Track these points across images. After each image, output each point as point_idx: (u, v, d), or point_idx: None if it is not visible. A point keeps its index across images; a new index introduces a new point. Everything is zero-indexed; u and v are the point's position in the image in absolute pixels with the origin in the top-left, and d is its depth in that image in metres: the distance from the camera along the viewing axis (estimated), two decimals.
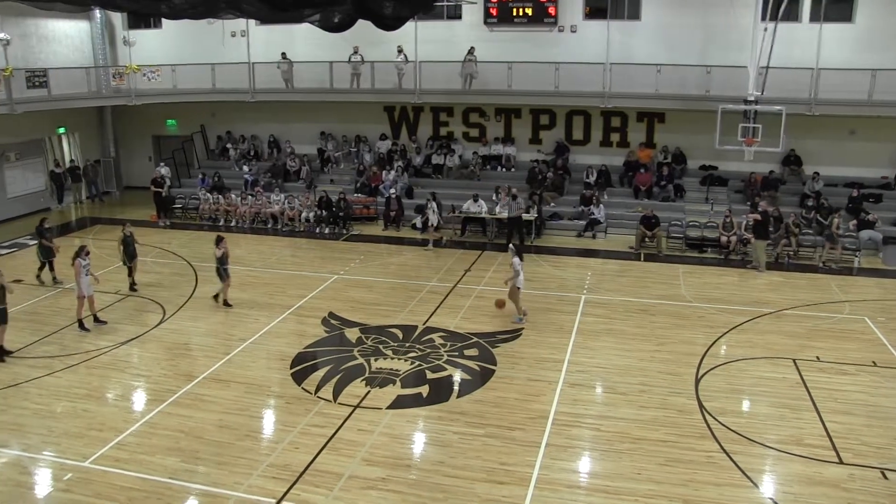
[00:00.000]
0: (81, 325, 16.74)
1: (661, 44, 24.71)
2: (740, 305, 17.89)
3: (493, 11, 26.39)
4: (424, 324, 16.92)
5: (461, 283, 19.66)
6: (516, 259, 16.76)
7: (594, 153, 26.97)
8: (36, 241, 19.95)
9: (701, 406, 12.98)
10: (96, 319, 17.01)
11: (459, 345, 15.71)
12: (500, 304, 17.16)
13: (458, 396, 13.52)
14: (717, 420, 12.48)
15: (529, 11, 26.07)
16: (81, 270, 16.45)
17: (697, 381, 13.94)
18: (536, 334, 16.23)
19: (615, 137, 26.94)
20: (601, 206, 24.32)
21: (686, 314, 17.45)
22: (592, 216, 24.12)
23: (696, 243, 22.60)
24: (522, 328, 16.50)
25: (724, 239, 21.83)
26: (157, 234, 25.01)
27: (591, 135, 27.07)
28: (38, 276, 19.87)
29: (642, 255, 22.20)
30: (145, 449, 11.79)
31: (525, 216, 23.43)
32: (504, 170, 27.31)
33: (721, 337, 16.10)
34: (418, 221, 24.82)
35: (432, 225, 23.34)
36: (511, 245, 18.60)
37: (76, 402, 13.42)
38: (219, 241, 18.05)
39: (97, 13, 29.75)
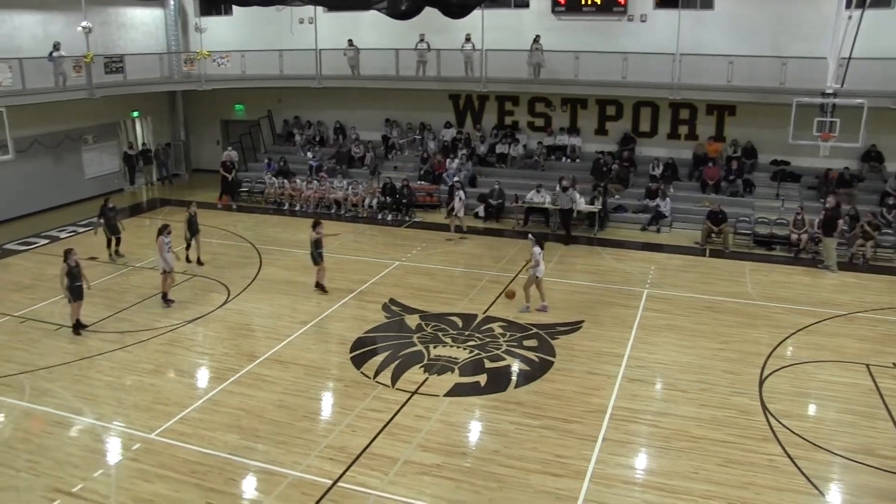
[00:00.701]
0: (164, 299, 17.35)
1: (734, 34, 24.03)
2: (809, 306, 17.36)
3: (562, 0, 26.09)
4: (484, 313, 16.91)
5: (522, 273, 19.56)
6: (536, 248, 16.70)
7: (661, 145, 26.47)
8: (101, 220, 20.77)
9: (764, 407, 12.68)
10: (165, 296, 17.51)
11: (518, 335, 15.66)
12: (510, 295, 17.19)
13: (516, 387, 13.49)
14: (780, 423, 12.15)
15: (598, 0, 25.69)
16: (164, 247, 17.04)
17: (761, 382, 13.60)
18: (597, 328, 16.07)
19: (683, 130, 26.37)
20: (667, 199, 23.90)
21: (751, 313, 17.02)
22: (658, 209, 23.74)
23: (765, 240, 22.00)
24: (583, 321, 16.36)
25: (794, 237, 21.21)
26: (223, 216, 25.55)
27: (658, 127, 26.56)
28: (109, 255, 20.64)
29: (708, 251, 21.72)
30: (207, 425, 12.10)
31: (589, 208, 23.22)
32: (569, 160, 27.02)
33: (788, 338, 15.65)
34: (481, 210, 24.83)
35: (456, 213, 23.11)
36: (530, 235, 18.38)
37: (144, 376, 13.86)
38: (316, 224, 18.13)
39: (171, 1, 30.50)
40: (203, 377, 14.14)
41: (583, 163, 26.59)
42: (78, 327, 15.76)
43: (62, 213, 26.08)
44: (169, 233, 17.37)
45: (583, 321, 16.39)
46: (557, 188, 23.44)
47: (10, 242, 22.45)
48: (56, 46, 24.07)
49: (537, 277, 16.81)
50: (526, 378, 13.81)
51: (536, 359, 14.59)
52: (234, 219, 25.46)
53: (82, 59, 24.30)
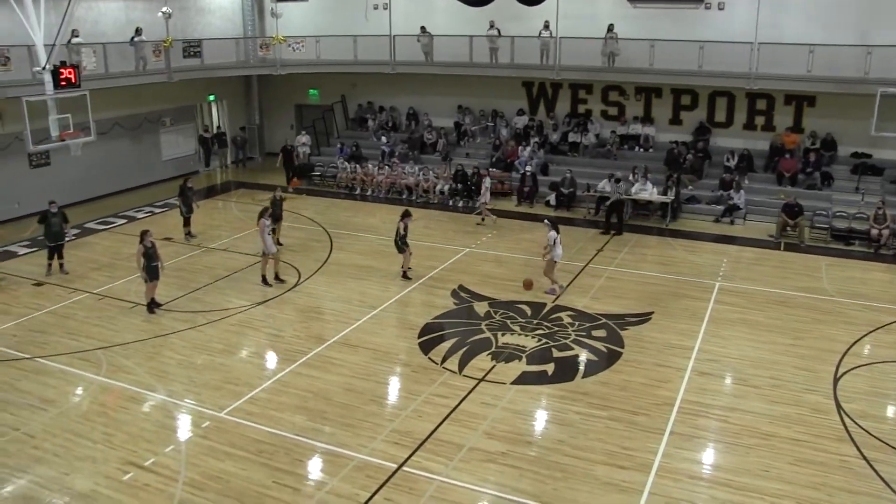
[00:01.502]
0: (264, 281, 17.74)
1: (815, 22, 23.13)
2: (889, 303, 16.73)
3: None
4: (553, 302, 16.82)
5: (592, 262, 19.38)
6: (552, 233, 16.70)
7: (736, 136, 25.77)
8: (178, 199, 21.47)
9: (839, 407, 12.30)
10: (277, 277, 17.92)
11: (587, 325, 15.54)
12: (527, 286, 16.96)
13: (584, 377, 13.40)
14: (856, 423, 11.78)
15: None
16: (265, 230, 17.35)
17: (836, 380, 13.20)
18: (667, 319, 15.82)
19: (760, 121, 25.60)
20: (741, 191, 23.31)
21: (827, 309, 16.50)
22: (731, 201, 23.18)
23: (843, 235, 21.26)
24: (653, 312, 16.12)
25: (874, 232, 20.47)
26: (295, 200, 25.82)
27: (734, 117, 25.87)
28: (185, 235, 21.23)
29: (782, 245, 21.13)
30: (276, 405, 12.35)
31: (661, 198, 22.88)
32: (642, 150, 26.58)
33: (865, 336, 15.12)
34: (552, 198, 24.65)
35: (484, 202, 22.95)
36: (546, 219, 18.17)
37: (214, 356, 14.22)
38: (406, 214, 18.16)
39: None
40: (272, 358, 14.43)
41: (656, 153, 26.13)
42: (152, 306, 16.25)
43: (139, 193, 26.88)
44: (270, 215, 17.72)
45: (652, 312, 16.16)
46: (638, 178, 23.24)
47: (91, 221, 23.25)
48: (138, 31, 24.81)
49: (554, 262, 16.92)
50: (594, 368, 13.71)
51: (605, 349, 14.46)
52: (306, 202, 25.83)
53: (162, 43, 24.98)
